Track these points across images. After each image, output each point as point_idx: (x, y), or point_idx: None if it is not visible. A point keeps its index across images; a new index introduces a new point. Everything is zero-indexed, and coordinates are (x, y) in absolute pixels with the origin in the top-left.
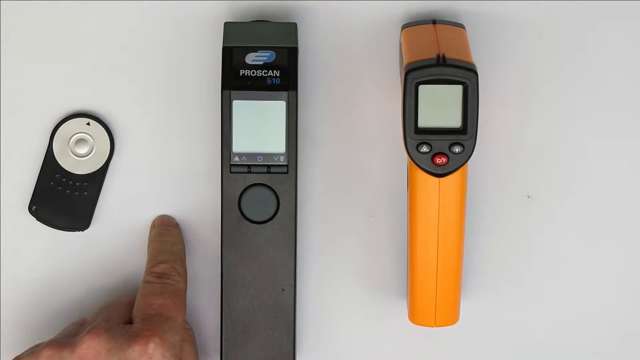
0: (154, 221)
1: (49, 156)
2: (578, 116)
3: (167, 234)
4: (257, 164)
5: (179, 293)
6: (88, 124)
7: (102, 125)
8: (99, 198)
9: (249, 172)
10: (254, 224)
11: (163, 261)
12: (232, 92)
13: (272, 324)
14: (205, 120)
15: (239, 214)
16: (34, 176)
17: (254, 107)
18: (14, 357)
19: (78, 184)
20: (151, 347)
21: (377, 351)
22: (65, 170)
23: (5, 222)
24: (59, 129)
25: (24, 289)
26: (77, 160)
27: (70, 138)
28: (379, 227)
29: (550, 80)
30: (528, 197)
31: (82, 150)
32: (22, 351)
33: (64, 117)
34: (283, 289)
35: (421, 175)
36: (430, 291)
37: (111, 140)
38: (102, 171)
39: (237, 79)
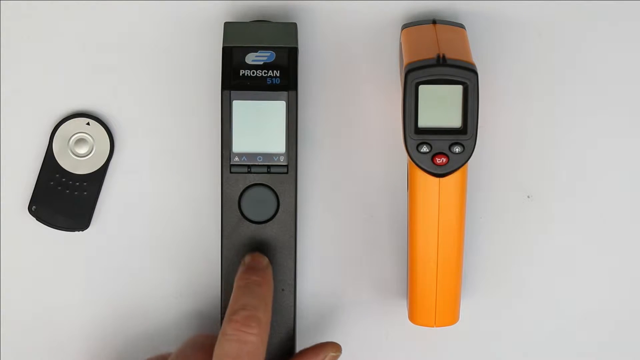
0: (244, 258)
1: (49, 156)
2: (578, 116)
3: (254, 273)
4: (257, 164)
5: (256, 353)
6: (88, 124)
7: (102, 125)
8: (99, 198)
9: (249, 172)
10: (254, 224)
11: (244, 307)
12: (232, 92)
13: (272, 324)
14: (205, 120)
15: (239, 214)
16: (34, 176)
17: (254, 107)
18: None
19: (78, 184)
20: None
21: (377, 351)
22: (65, 170)
23: (5, 222)
24: (59, 129)
25: (24, 289)
26: (77, 160)
27: (70, 138)
28: (379, 227)
29: (550, 80)
30: (528, 197)
31: (82, 150)
32: (22, 351)
33: (64, 117)
34: (283, 289)
35: (421, 175)
36: (430, 291)
37: (111, 140)
38: (102, 171)
39: (237, 79)
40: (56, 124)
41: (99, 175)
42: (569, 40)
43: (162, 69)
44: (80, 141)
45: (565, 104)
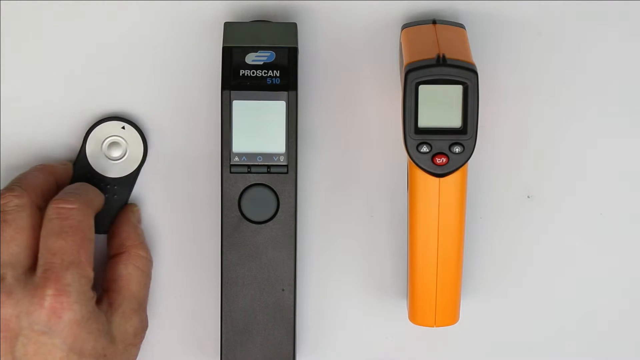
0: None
1: (82, 157)
2: (578, 116)
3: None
4: (257, 164)
5: (79, 227)
6: (123, 127)
7: (136, 129)
8: None
9: (249, 172)
10: (254, 224)
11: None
12: (232, 92)
13: (272, 324)
14: (205, 120)
15: (239, 214)
16: None
17: (254, 107)
18: None
19: (109, 187)
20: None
21: (377, 351)
22: (97, 172)
23: None
24: (93, 130)
25: None
26: (110, 164)
27: (104, 141)
28: (379, 227)
29: (550, 80)
30: (528, 197)
31: (116, 153)
32: None
33: (98, 120)
34: (283, 289)
35: (421, 175)
36: (430, 291)
37: (145, 146)
38: (134, 176)
39: (237, 79)
40: (90, 126)
41: (131, 180)
42: (569, 40)
43: (162, 69)
44: (114, 144)
45: (565, 104)
